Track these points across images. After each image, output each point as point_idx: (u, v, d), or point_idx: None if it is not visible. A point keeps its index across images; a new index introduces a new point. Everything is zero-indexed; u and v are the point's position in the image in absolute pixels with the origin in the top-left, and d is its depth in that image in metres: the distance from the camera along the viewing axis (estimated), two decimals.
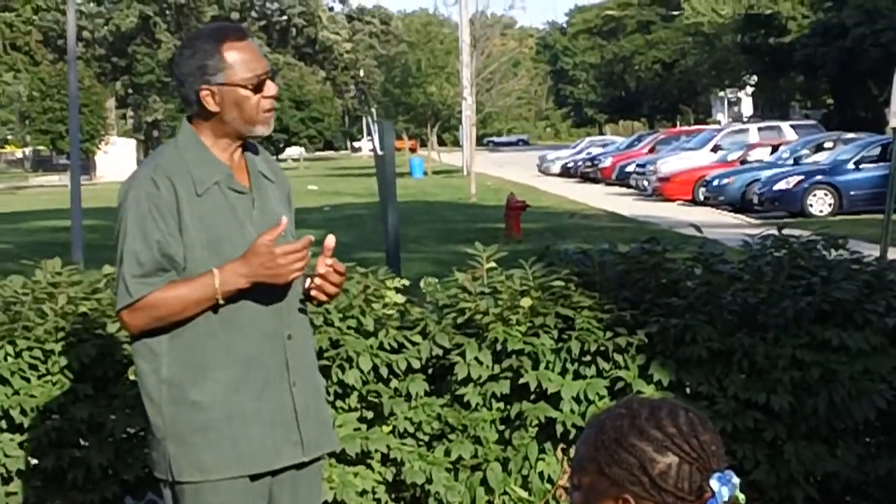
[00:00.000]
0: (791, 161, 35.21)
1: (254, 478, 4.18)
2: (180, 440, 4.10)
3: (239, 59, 4.14)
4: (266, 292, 4.12)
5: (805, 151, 36.22)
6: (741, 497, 2.45)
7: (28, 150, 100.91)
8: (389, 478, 6.41)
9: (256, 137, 4.27)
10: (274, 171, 4.42)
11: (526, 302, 6.41)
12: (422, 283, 6.71)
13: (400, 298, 6.56)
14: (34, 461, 6.23)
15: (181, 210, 4.07)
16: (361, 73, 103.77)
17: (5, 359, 6.21)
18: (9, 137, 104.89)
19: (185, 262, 4.08)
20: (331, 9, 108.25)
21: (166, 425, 4.11)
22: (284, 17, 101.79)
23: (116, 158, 78.54)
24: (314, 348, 4.51)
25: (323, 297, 4.29)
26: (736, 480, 2.45)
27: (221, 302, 4.05)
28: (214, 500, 4.13)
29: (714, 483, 2.43)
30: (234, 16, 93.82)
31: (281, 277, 4.07)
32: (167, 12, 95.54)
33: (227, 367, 4.12)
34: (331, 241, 4.21)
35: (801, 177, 32.02)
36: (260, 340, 4.16)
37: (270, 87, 4.21)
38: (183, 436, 4.10)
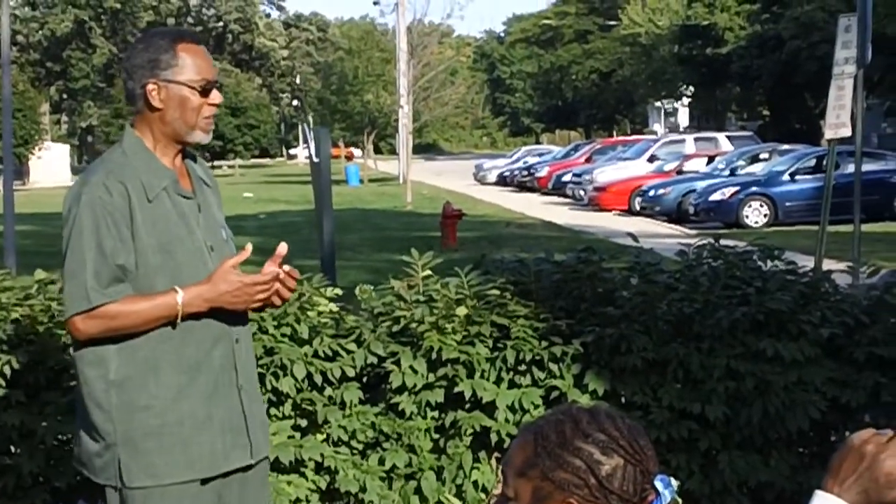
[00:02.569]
0: (727, 172, 35.45)
1: (204, 482, 4.19)
2: (132, 445, 4.09)
3: (191, 61, 4.20)
4: None
5: (741, 162, 36.49)
6: (679, 500, 2.46)
7: None
8: (323, 486, 6.39)
9: (194, 144, 4.29)
10: (209, 177, 4.47)
11: (461, 311, 6.41)
12: (357, 291, 6.69)
13: (334, 307, 6.54)
14: None
15: (134, 216, 4.09)
16: (298, 80, 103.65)
17: None
18: None
19: (137, 267, 4.10)
20: (268, 15, 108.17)
21: (117, 431, 4.10)
22: (221, 24, 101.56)
23: (50, 164, 77.97)
24: (254, 354, 4.54)
25: (278, 302, 4.32)
26: (675, 483, 2.47)
27: (179, 321, 4.08)
28: (171, 503, 4.13)
29: (658, 484, 2.44)
30: (171, 21, 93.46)
31: (243, 305, 4.17)
32: (102, 17, 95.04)
33: (178, 371, 4.14)
34: (283, 248, 4.26)
35: (737, 188, 32.24)
36: (209, 344, 4.18)
37: (216, 96, 4.27)
38: (135, 441, 4.09)
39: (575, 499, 2.43)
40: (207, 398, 4.18)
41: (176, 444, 4.12)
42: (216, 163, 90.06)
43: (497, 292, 6.49)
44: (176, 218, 4.19)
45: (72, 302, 4.08)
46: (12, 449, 6.21)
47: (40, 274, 6.56)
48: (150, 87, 4.17)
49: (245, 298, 4.13)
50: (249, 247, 4.17)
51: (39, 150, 74.61)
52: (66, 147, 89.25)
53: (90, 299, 4.03)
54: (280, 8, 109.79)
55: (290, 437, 6.37)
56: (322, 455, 6.33)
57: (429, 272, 6.63)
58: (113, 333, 4.07)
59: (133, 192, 4.10)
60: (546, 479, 2.45)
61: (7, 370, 6.13)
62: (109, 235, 4.06)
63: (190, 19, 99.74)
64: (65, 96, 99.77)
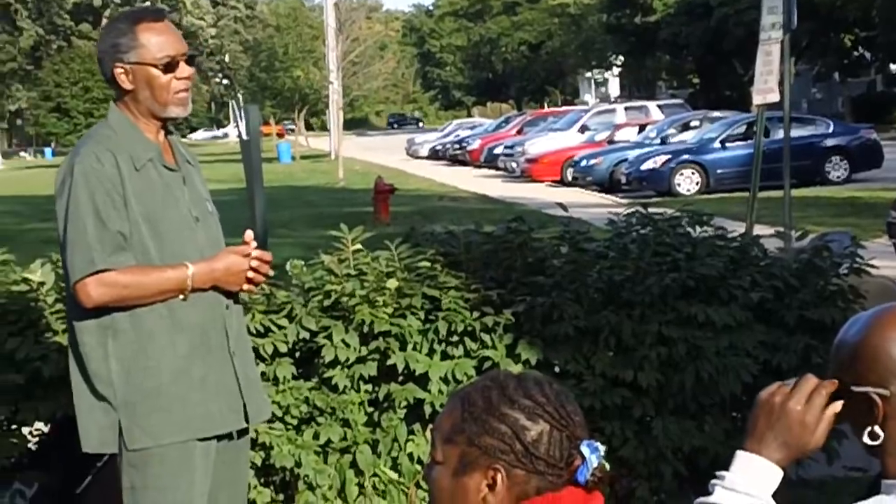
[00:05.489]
0: (658, 140, 35.56)
1: (202, 442, 4.32)
2: (132, 408, 4.22)
3: (152, 40, 4.29)
4: None
5: (672, 131, 36.62)
6: (607, 465, 2.48)
7: None
8: (259, 462, 6.37)
9: (172, 119, 4.42)
10: (191, 156, 4.60)
11: (392, 283, 6.41)
12: (288, 267, 6.68)
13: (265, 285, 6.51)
14: None
15: (124, 185, 4.20)
16: (227, 58, 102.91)
17: None
18: None
19: (129, 236, 4.20)
20: None
21: (116, 396, 4.22)
22: (147, 3, 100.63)
23: None
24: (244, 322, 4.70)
25: (254, 289, 4.57)
26: (602, 448, 2.48)
27: (182, 298, 4.24)
28: (165, 465, 4.26)
29: (584, 450, 2.46)
30: (97, 2, 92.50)
31: (236, 287, 4.40)
32: (28, 0, 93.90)
33: (174, 335, 4.27)
34: (249, 235, 4.44)
35: (669, 156, 32.39)
36: (204, 309, 4.32)
37: (184, 69, 4.37)
38: (134, 403, 4.22)
39: (501, 464, 2.44)
40: (202, 361, 4.32)
41: (174, 404, 4.25)
42: None
43: (427, 264, 6.50)
44: (161, 188, 4.31)
45: (76, 267, 4.18)
46: None
47: None
48: (117, 70, 4.31)
49: (241, 284, 4.37)
50: (250, 233, 4.39)
51: None
52: None
53: (95, 262, 4.13)
54: None
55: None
56: (256, 431, 6.30)
57: (359, 246, 6.62)
58: (122, 303, 4.18)
59: (122, 162, 4.22)
60: (472, 445, 2.46)
61: None
62: (106, 203, 4.17)
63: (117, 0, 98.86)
64: None
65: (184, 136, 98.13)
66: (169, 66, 4.30)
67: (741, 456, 2.51)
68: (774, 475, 2.48)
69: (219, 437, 4.39)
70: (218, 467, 4.42)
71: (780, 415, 2.49)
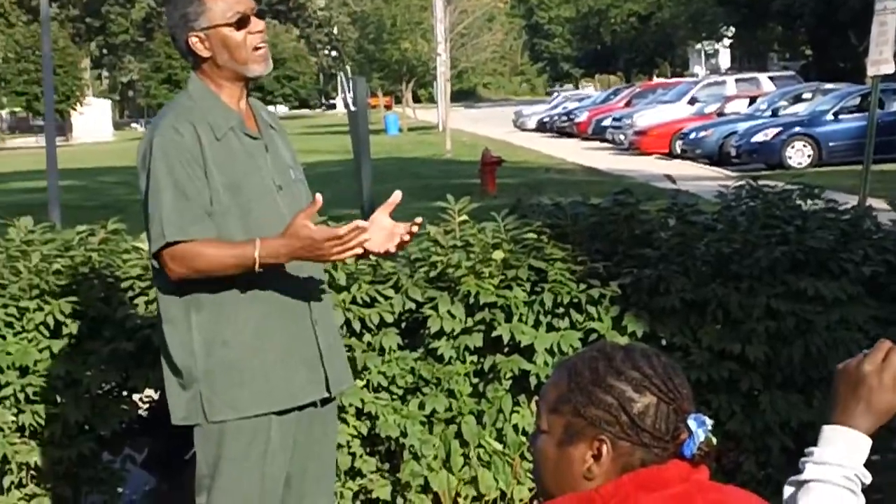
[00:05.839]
0: (769, 113, 35.21)
1: (278, 415, 4.32)
2: (213, 380, 4.25)
3: (219, 1, 4.27)
4: None
5: (783, 103, 36.23)
6: (713, 439, 2.46)
7: (4, 113, 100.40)
8: (364, 431, 6.42)
9: (256, 78, 4.39)
10: (275, 121, 4.58)
11: (498, 255, 6.40)
12: None
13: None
14: (11, 417, 6.22)
15: (205, 155, 4.20)
16: (335, 30, 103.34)
17: None
18: None
19: (211, 204, 4.20)
20: None
21: (198, 367, 4.25)
22: None
23: (92, 119, 78.37)
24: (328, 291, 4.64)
25: (378, 250, 4.42)
26: (709, 422, 2.47)
27: (258, 270, 4.16)
28: (241, 436, 4.28)
29: (691, 423, 2.44)
30: None
31: (324, 259, 4.23)
32: None
33: (255, 307, 4.27)
34: (397, 196, 4.40)
35: (780, 128, 32.05)
36: (283, 281, 4.28)
37: (256, 23, 4.33)
38: (215, 375, 4.25)
39: (606, 435, 2.43)
40: (283, 333, 4.31)
41: (256, 377, 4.26)
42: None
43: (534, 236, 6.48)
44: (244, 157, 4.30)
45: (153, 240, 4.21)
46: (58, 398, 6.27)
47: (80, 227, 6.61)
48: (192, 40, 4.29)
49: (318, 254, 4.15)
50: (319, 197, 4.19)
51: (81, 105, 74.90)
52: (108, 102, 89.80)
53: (165, 235, 4.14)
54: None
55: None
56: (362, 401, 6.36)
57: (465, 218, 6.62)
58: (198, 275, 4.18)
59: (202, 132, 4.22)
60: (578, 416, 2.46)
61: (50, 320, 6.18)
62: (185, 174, 4.17)
63: None
64: (105, 52, 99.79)
65: (294, 109, 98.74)
66: (241, 23, 4.27)
67: (826, 430, 2.50)
68: (863, 443, 2.47)
69: (301, 407, 4.39)
70: (304, 437, 4.44)
71: (858, 380, 2.48)
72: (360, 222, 4.19)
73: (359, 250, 4.26)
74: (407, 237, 4.40)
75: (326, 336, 4.46)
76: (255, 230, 4.20)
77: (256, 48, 4.31)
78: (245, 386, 4.25)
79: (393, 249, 4.42)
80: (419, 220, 4.42)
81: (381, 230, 4.38)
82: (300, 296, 4.35)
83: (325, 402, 4.49)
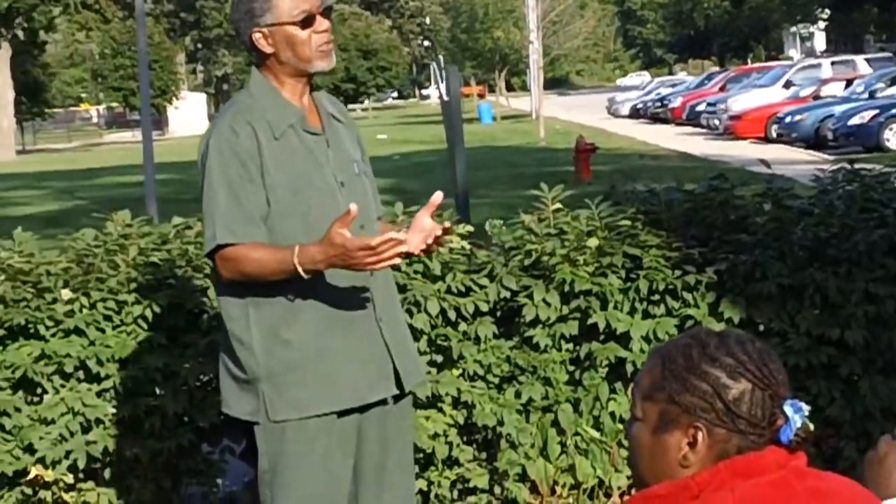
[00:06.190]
0: (866, 95, 34.77)
1: (342, 414, 4.27)
2: (275, 380, 4.20)
3: None
4: None
5: (880, 85, 35.75)
6: (810, 425, 2.44)
7: (101, 108, 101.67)
8: (461, 420, 6.43)
9: (320, 73, 4.33)
10: (342, 113, 4.51)
11: (593, 242, 6.39)
12: (487, 226, 6.70)
13: (466, 244, 6.54)
14: (112, 410, 6.30)
15: (262, 154, 4.16)
16: (427, 20, 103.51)
17: (80, 310, 6.27)
18: (83, 96, 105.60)
19: (269, 205, 4.16)
20: None
21: (260, 366, 4.20)
22: None
23: (188, 113, 79.04)
24: (394, 284, 4.58)
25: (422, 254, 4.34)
26: (806, 408, 2.45)
27: (305, 277, 4.08)
28: (306, 437, 4.24)
29: (788, 409, 2.43)
30: None
31: (357, 268, 4.08)
32: None
33: (315, 307, 4.21)
34: (438, 197, 4.23)
35: (877, 111, 31.64)
36: (345, 278, 4.21)
37: (321, 22, 4.27)
38: (277, 375, 4.20)
39: (702, 422, 2.42)
40: (347, 333, 4.25)
41: (320, 377, 4.21)
42: (350, 106, 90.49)
43: (628, 223, 6.46)
44: (304, 154, 4.25)
45: (206, 242, 4.19)
46: (157, 391, 6.34)
47: (176, 219, 6.68)
48: (255, 36, 4.25)
49: (351, 263, 4.03)
50: (354, 207, 4.03)
51: (177, 100, 75.64)
52: (203, 96, 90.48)
53: (216, 237, 4.12)
54: None
55: (426, 373, 6.41)
56: (458, 390, 6.37)
57: (559, 205, 6.60)
58: (247, 279, 4.14)
59: (260, 132, 4.17)
60: (673, 403, 2.45)
61: (148, 313, 6.25)
62: (239, 176, 4.13)
63: None
64: (199, 46, 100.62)
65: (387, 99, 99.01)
66: (306, 21, 4.22)
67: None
68: None
69: (372, 404, 4.34)
70: (378, 433, 4.40)
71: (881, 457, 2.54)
72: (393, 234, 4.05)
73: (396, 260, 4.12)
74: (439, 233, 4.25)
75: (394, 332, 4.39)
76: (315, 230, 4.10)
77: (321, 46, 4.27)
78: (308, 387, 4.20)
79: (423, 246, 4.28)
80: (447, 224, 4.29)
81: (422, 231, 4.27)
82: (363, 295, 4.29)
83: (396, 398, 4.42)
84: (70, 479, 6.33)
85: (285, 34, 4.23)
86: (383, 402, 4.38)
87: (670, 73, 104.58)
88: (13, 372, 6.19)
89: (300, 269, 4.05)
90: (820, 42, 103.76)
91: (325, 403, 4.23)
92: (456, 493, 6.54)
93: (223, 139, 4.17)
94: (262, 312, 4.20)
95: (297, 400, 4.21)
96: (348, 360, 4.26)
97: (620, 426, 6.36)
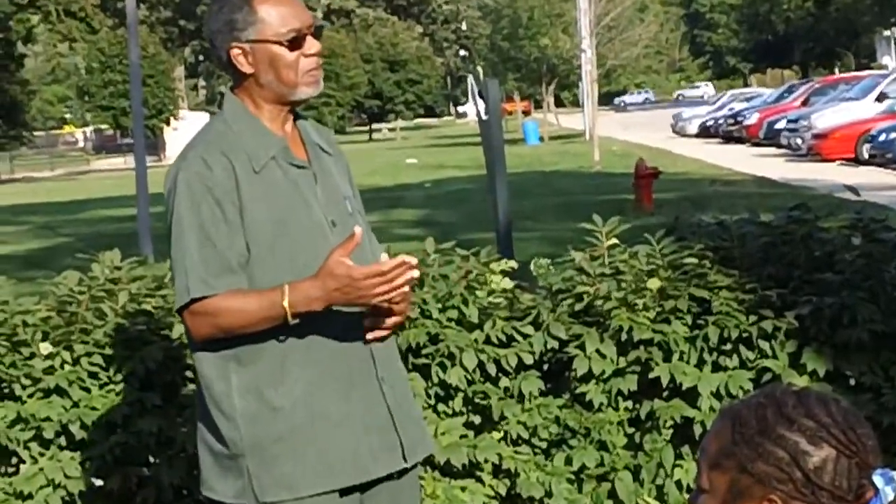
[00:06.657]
0: None
1: (343, 493, 4.18)
2: (260, 454, 4.10)
3: (273, 13, 4.15)
4: None
5: None
6: None
7: (88, 131, 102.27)
8: (503, 491, 6.43)
9: (303, 102, 4.26)
10: (329, 143, 4.42)
11: (654, 283, 6.38)
12: (532, 266, 6.70)
13: (507, 284, 6.55)
14: (98, 482, 6.32)
15: (240, 189, 4.07)
16: (464, 26, 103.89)
17: (62, 367, 6.29)
18: (67, 117, 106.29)
19: (249, 250, 4.08)
20: None
21: (243, 438, 4.11)
22: None
23: (187, 136, 78.50)
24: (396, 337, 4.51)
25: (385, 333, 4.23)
26: None
27: (293, 322, 4.02)
28: None
29: (877, 479, 2.42)
30: None
31: (362, 301, 4.04)
32: None
33: (306, 365, 4.12)
34: (359, 231, 4.06)
35: None
36: (340, 331, 4.14)
37: (312, 44, 4.19)
38: (263, 448, 4.10)
39: (777, 495, 2.42)
40: (343, 395, 4.17)
41: (310, 448, 4.12)
42: (374, 126, 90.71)
43: (695, 261, 6.45)
44: (288, 190, 4.16)
45: (177, 296, 4.10)
46: (150, 459, 6.35)
47: None
48: (234, 51, 4.17)
49: (358, 294, 3.99)
50: (359, 230, 4.02)
51: (175, 120, 76.03)
52: (206, 116, 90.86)
53: (189, 291, 4.03)
54: None
55: (462, 437, 6.41)
56: (500, 456, 6.37)
57: (615, 241, 6.60)
58: (224, 334, 4.06)
59: (238, 164, 4.09)
60: (744, 472, 2.45)
61: (140, 370, 6.25)
62: (212, 217, 4.05)
63: None
64: (201, 58, 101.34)
65: (416, 118, 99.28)
66: (295, 42, 4.14)
67: None
68: None
69: (374, 481, 4.26)
70: None
71: None
72: (405, 256, 4.01)
73: (407, 290, 4.08)
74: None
75: (396, 395, 4.30)
76: (305, 272, 4.04)
77: (309, 71, 4.20)
78: (301, 461, 4.12)
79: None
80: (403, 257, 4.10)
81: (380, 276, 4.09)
82: (360, 350, 4.21)
83: (401, 472, 4.33)
84: None
85: (269, 53, 4.15)
86: (388, 476, 4.29)
87: (745, 85, 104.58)
88: None
89: (289, 312, 3.99)
90: None
91: (319, 480, 4.14)
92: None
93: (193, 173, 4.07)
94: (245, 374, 4.11)
95: (287, 477, 4.12)
96: (346, 427, 4.17)
97: (687, 496, 6.34)
